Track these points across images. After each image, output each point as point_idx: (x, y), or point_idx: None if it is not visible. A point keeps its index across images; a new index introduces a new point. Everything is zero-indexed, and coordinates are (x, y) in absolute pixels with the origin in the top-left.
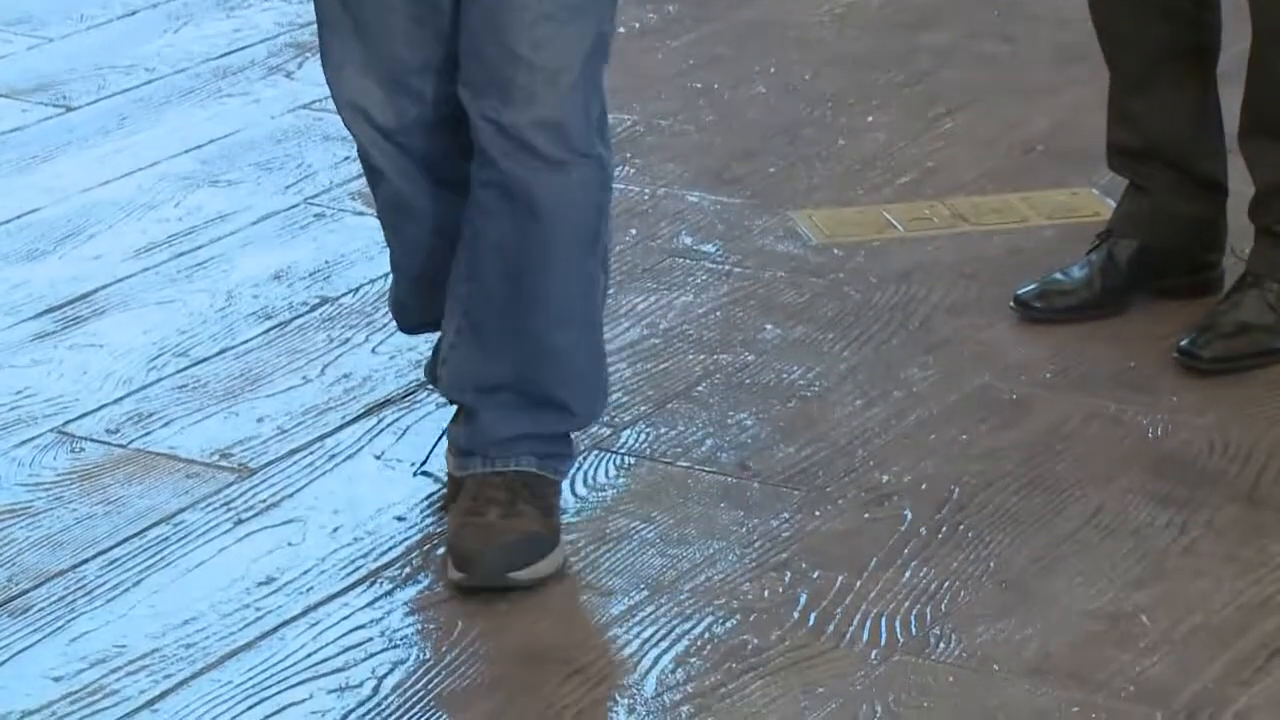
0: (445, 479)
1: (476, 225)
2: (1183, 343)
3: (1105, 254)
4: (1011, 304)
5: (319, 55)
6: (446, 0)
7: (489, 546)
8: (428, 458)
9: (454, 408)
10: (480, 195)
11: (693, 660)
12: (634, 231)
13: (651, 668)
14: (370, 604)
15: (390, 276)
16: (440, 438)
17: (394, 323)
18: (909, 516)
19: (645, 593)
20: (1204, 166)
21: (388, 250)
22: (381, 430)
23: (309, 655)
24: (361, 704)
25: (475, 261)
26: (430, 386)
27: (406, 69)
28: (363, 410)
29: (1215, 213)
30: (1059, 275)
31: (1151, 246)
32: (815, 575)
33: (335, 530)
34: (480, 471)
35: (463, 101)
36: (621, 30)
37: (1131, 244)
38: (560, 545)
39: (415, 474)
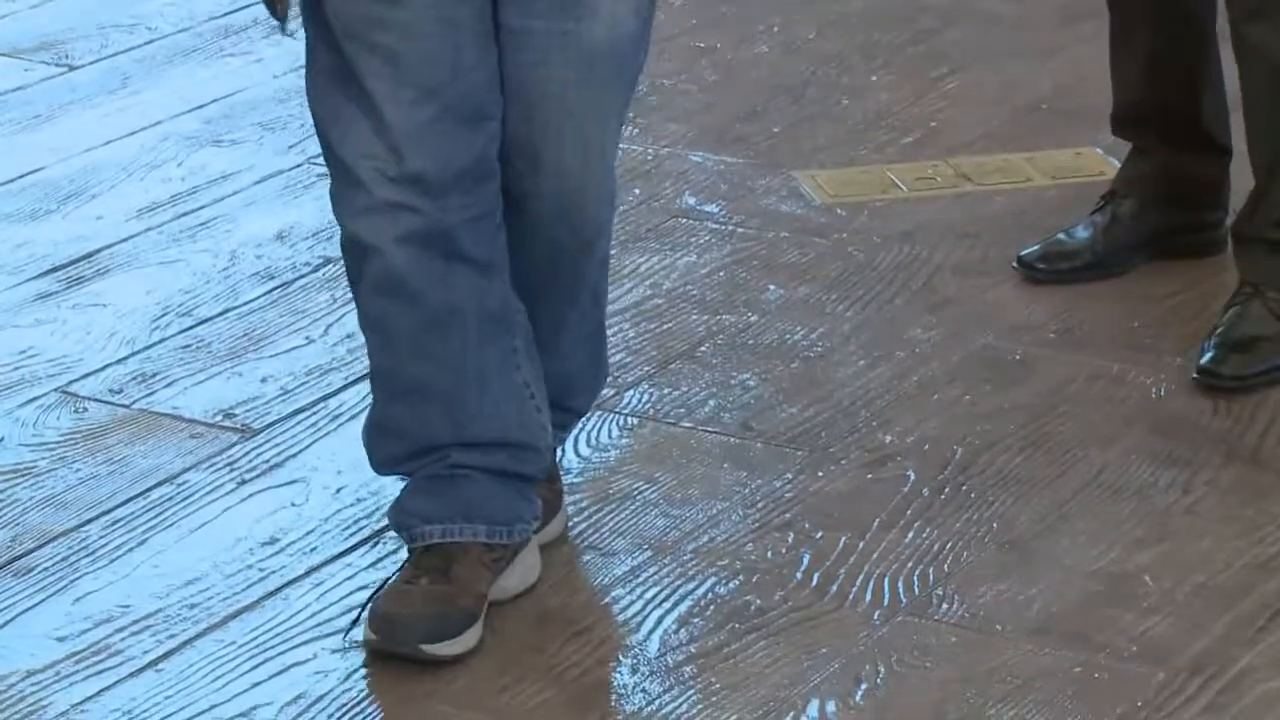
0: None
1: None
2: (1202, 362)
3: (1109, 215)
4: (1015, 265)
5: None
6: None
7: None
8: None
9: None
10: (522, 266)
11: (695, 621)
12: (637, 192)
13: (654, 628)
14: (373, 564)
15: (370, 399)
16: (369, 601)
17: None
18: (912, 477)
19: (648, 553)
20: (1206, 127)
21: (368, 362)
22: None
23: (313, 615)
24: (364, 664)
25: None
26: (401, 530)
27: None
28: (366, 370)
29: (1218, 174)
30: (1062, 236)
31: (1154, 208)
32: (818, 536)
33: (338, 491)
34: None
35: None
36: None
37: (1134, 205)
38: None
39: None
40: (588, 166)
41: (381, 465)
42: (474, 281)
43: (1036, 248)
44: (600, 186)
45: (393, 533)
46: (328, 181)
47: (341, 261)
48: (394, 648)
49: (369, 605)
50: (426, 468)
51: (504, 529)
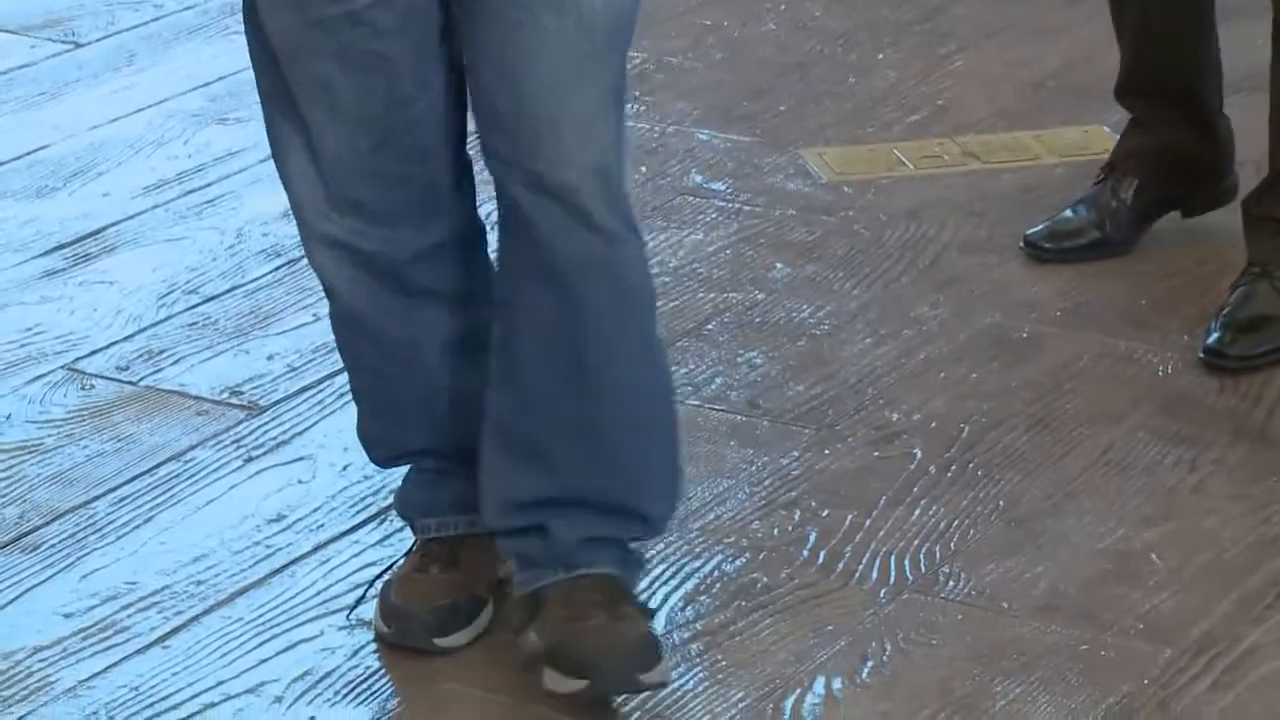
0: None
1: (515, 324)
2: (1208, 342)
3: (1109, 191)
4: (1021, 245)
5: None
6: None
7: (613, 650)
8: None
9: (390, 548)
10: (525, 287)
11: (702, 598)
12: (644, 169)
13: (661, 606)
14: (380, 541)
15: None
16: (376, 579)
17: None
18: (918, 455)
19: None
20: (1205, 99)
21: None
22: None
23: (320, 592)
24: (372, 640)
25: (516, 368)
26: (404, 520)
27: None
28: None
29: (1215, 147)
30: (1068, 214)
31: (1154, 184)
32: (824, 513)
33: (345, 468)
34: (564, 578)
35: (491, 173)
36: None
37: (1134, 181)
38: (666, 650)
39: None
40: (602, 139)
41: (374, 463)
42: (437, 315)
43: (1042, 228)
44: (620, 184)
45: None
46: None
47: None
48: (407, 641)
49: (381, 592)
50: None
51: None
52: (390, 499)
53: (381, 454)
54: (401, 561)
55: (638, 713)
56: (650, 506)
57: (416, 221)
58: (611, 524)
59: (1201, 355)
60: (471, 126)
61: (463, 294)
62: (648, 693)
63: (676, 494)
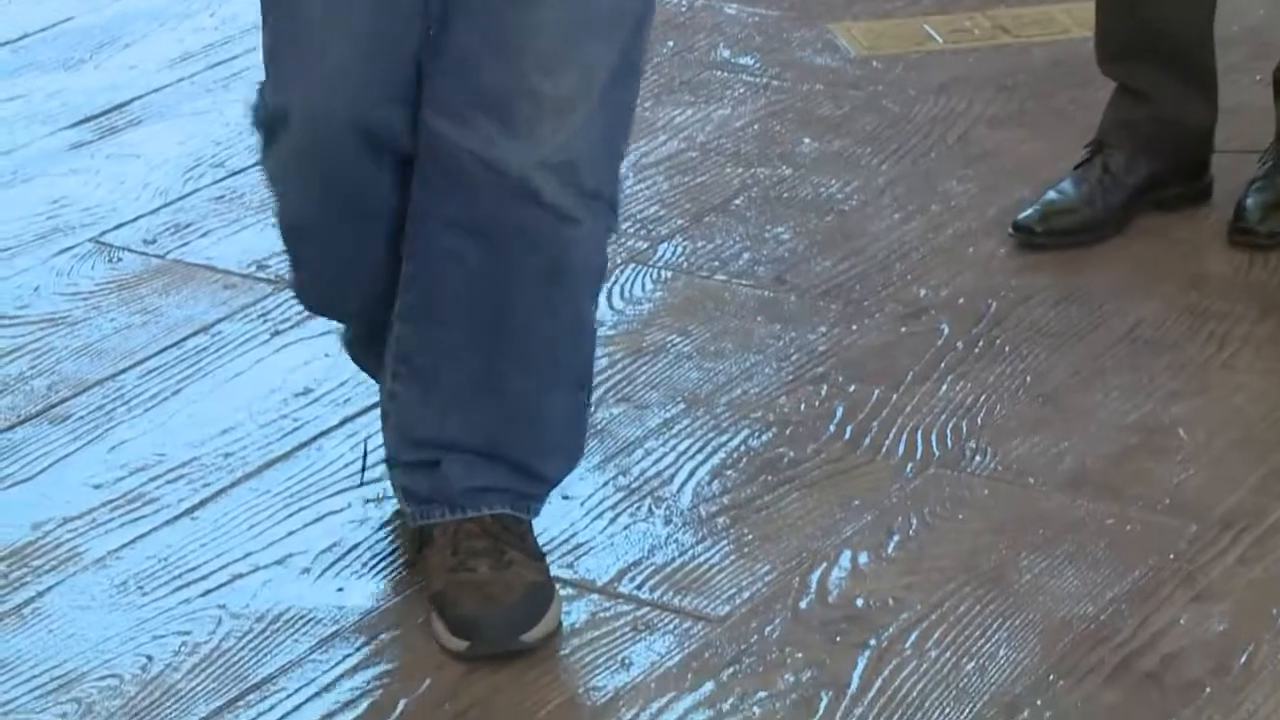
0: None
1: (439, 268)
2: (1237, 219)
3: (1100, 168)
4: (1011, 231)
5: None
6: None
7: (493, 611)
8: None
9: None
10: (450, 238)
11: (729, 473)
12: (671, 44)
13: (688, 480)
14: None
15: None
16: (375, 448)
17: None
18: (945, 330)
19: (681, 406)
20: (1201, 61)
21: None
22: None
23: (347, 465)
24: (398, 513)
25: (433, 306)
26: (353, 361)
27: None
28: None
29: (1206, 116)
30: (1054, 195)
31: (1147, 158)
32: (851, 388)
33: None
34: (450, 520)
35: (432, 128)
36: None
37: (1124, 156)
38: (556, 590)
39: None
40: (582, 138)
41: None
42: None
43: (1032, 211)
44: (596, 172)
45: None
46: None
47: None
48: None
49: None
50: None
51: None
52: None
53: (319, 309)
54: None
55: (662, 587)
56: (546, 465)
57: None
58: (504, 476)
59: (1231, 233)
60: None
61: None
62: (634, 588)
63: (576, 456)
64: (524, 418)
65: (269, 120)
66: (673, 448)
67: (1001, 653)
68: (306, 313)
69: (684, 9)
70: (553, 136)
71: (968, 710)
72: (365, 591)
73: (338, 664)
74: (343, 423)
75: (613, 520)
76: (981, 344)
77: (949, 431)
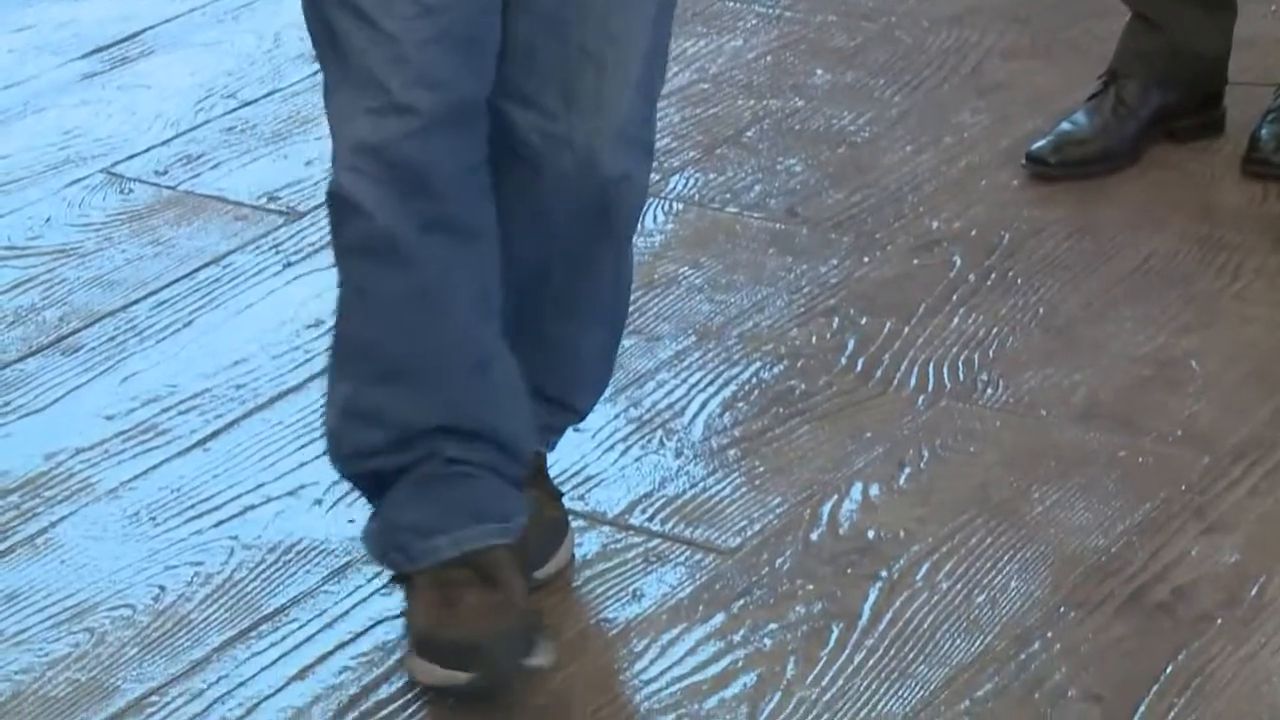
0: None
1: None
2: (1251, 150)
3: (1113, 99)
4: (1024, 163)
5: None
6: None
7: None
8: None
9: None
10: (515, 220)
11: (740, 405)
12: None
13: (699, 413)
14: None
15: (335, 397)
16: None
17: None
18: (958, 262)
19: (693, 338)
20: None
21: (333, 351)
22: None
23: None
24: None
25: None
26: (388, 560)
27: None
28: None
29: (1221, 44)
30: (1068, 126)
31: (1161, 89)
32: (863, 321)
33: None
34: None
35: (506, 115)
36: None
37: (1138, 87)
38: (571, 526)
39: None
40: (634, 96)
41: (349, 459)
42: (470, 252)
43: (1045, 142)
44: (643, 124)
45: None
46: None
47: None
48: (502, 675)
49: (415, 648)
50: (413, 468)
51: (513, 527)
52: None
53: (373, 439)
54: (406, 608)
55: (674, 519)
56: (579, 398)
57: (460, 124)
58: (539, 411)
59: (1244, 163)
60: None
61: (489, 229)
62: (645, 520)
63: (604, 388)
64: (563, 358)
65: None
66: (684, 380)
67: (1012, 585)
68: (317, 244)
69: None
70: (614, 106)
71: (978, 642)
72: None
73: (349, 595)
74: None
75: (624, 452)
76: (994, 276)
77: (960, 364)
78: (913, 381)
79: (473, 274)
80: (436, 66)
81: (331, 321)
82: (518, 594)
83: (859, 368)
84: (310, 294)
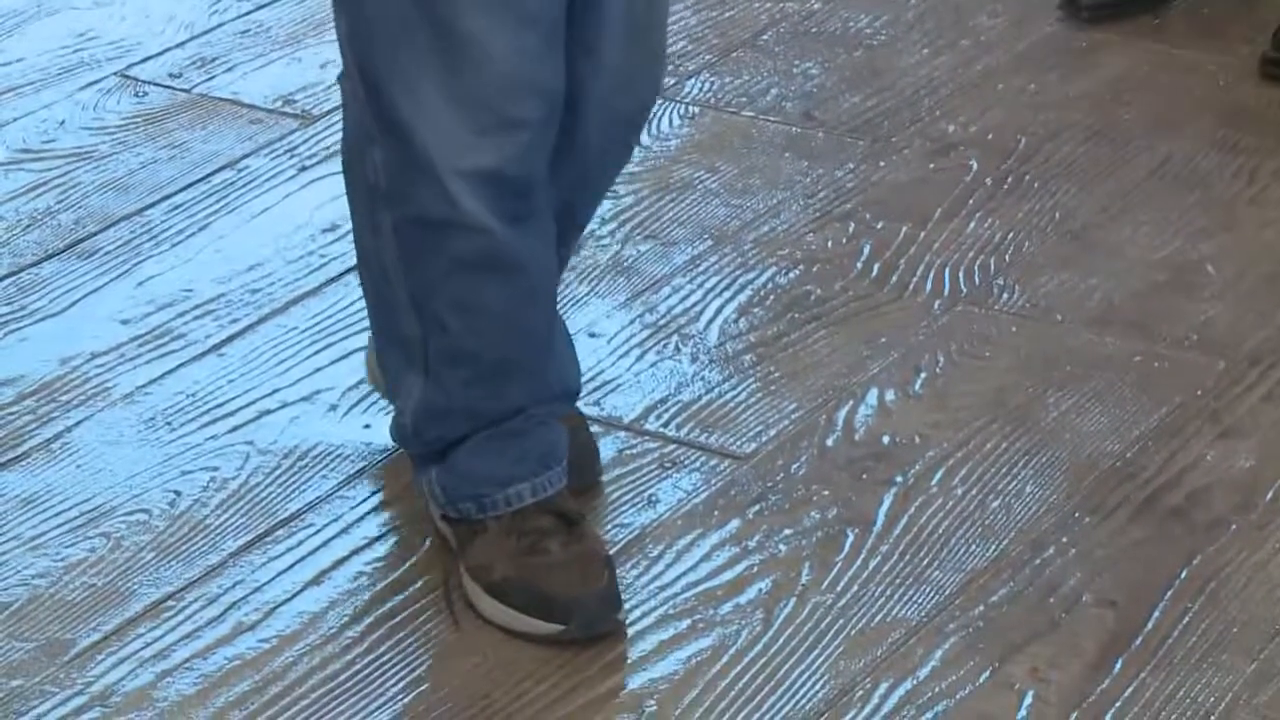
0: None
1: None
2: (1270, 51)
3: None
4: (1058, 8)
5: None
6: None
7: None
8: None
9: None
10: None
11: (755, 310)
12: None
13: (714, 317)
14: None
15: (416, 393)
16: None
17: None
18: (974, 167)
19: (709, 242)
20: None
21: (406, 356)
22: None
23: None
24: None
25: None
26: (461, 509)
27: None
28: None
29: None
30: None
31: None
32: (879, 225)
33: None
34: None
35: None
36: None
37: None
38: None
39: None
40: (655, 20)
41: (425, 443)
42: (549, 228)
43: None
44: (662, 43)
45: None
46: None
47: None
48: (602, 629)
49: (515, 589)
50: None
51: (566, 465)
52: None
53: (461, 428)
54: (467, 548)
55: (689, 424)
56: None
57: (556, 118)
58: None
59: (1263, 65)
60: None
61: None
62: (660, 426)
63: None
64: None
65: None
66: (699, 285)
67: (1027, 490)
68: (332, 149)
69: None
70: (655, 84)
71: (993, 547)
72: None
73: (364, 500)
74: None
75: (639, 358)
76: (1010, 180)
77: (976, 269)
78: (928, 286)
79: (551, 247)
80: (540, 74)
81: (347, 225)
82: (595, 539)
83: (875, 272)
84: (325, 198)
